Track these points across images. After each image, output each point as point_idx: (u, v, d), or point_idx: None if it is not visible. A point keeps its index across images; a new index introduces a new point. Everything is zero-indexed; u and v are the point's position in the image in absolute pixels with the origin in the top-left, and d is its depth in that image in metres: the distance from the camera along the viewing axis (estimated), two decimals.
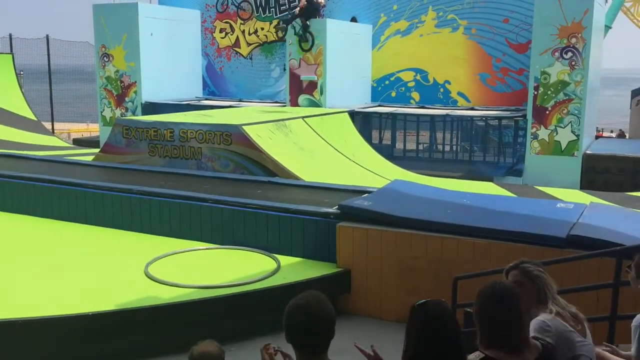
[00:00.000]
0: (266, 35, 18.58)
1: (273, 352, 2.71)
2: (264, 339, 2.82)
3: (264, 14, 18.54)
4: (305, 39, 15.26)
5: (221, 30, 19.29)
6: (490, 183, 11.53)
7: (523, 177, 13.33)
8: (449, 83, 16.44)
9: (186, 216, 8.24)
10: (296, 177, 9.74)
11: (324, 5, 16.65)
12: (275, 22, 16.99)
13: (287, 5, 17.95)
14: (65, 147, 16.13)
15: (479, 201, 7.72)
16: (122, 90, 17.15)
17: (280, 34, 17.50)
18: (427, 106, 16.04)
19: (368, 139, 14.56)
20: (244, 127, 10.25)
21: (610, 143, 16.00)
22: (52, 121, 21.46)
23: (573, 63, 12.79)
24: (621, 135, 20.47)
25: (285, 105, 16.02)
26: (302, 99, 15.61)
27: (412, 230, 6.76)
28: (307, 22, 15.15)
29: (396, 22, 16.88)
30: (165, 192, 8.64)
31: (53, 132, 19.84)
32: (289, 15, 16.31)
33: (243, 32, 19.00)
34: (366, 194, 8.04)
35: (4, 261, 7.44)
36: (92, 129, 24.99)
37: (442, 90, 16.54)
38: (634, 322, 3.28)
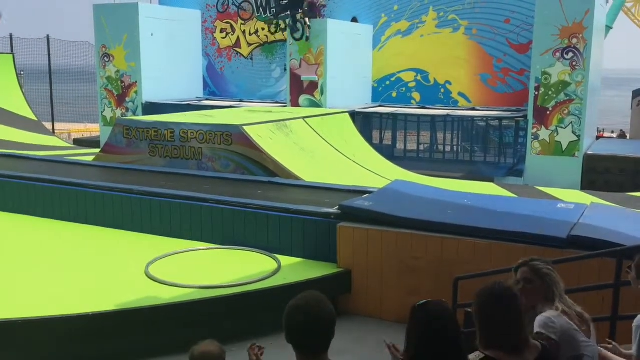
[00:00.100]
0: (267, 36, 18.58)
1: (259, 353, 2.71)
2: (265, 339, 2.83)
3: (264, 14, 18.54)
4: (296, 29, 15.27)
5: (222, 31, 19.30)
6: (491, 183, 11.52)
7: (524, 177, 13.34)
8: (450, 83, 16.44)
9: (187, 216, 8.23)
10: (297, 178, 9.73)
11: (325, 5, 16.67)
12: (282, 25, 17.03)
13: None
14: (66, 147, 16.13)
15: (479, 201, 7.71)
16: (122, 90, 17.17)
17: (272, 30, 17.53)
18: (427, 106, 16.05)
19: (369, 139, 14.56)
20: (244, 127, 10.25)
21: (611, 143, 15.99)
22: (53, 121, 21.46)
23: (574, 63, 12.79)
24: (622, 135, 20.45)
25: (285, 106, 16.03)
26: (302, 99, 15.61)
27: (412, 231, 6.75)
28: (297, 14, 15.15)
29: (397, 23, 16.89)
30: (165, 193, 8.64)
31: (53, 132, 19.84)
32: (278, 9, 16.34)
33: (244, 32, 19.01)
34: (367, 194, 8.03)
35: (4, 261, 7.44)
36: (91, 129, 25.02)
37: (442, 90, 16.54)
38: (635, 323, 3.28)
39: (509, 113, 14.76)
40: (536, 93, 13.12)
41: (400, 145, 16.31)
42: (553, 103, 13.02)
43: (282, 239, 7.57)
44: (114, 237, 8.35)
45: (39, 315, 5.73)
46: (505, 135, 15.25)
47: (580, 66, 12.76)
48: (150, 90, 17.01)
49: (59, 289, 6.45)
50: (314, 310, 2.38)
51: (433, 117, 15.44)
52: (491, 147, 15.46)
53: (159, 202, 8.44)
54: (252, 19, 18.67)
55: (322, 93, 15.35)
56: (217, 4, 19.16)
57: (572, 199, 8.98)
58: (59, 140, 17.25)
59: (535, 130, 13.22)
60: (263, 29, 18.61)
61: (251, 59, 19.07)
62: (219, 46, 19.41)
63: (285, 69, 16.90)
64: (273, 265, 7.15)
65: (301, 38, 15.27)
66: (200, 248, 7.88)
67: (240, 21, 18.92)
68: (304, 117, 12.19)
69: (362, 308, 6.92)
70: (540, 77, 13.03)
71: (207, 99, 18.59)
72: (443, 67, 16.38)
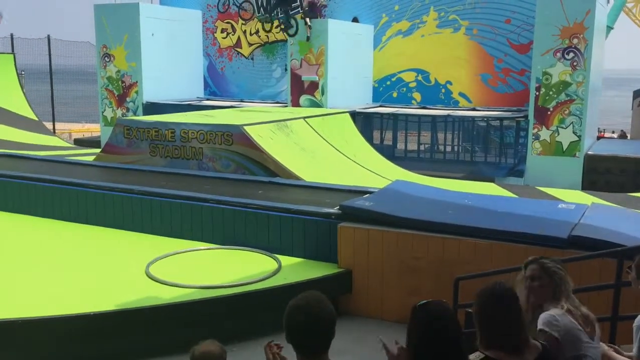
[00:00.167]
0: (268, 36, 18.57)
1: (278, 351, 2.69)
2: (265, 339, 2.81)
3: (262, 14, 18.53)
4: (289, 25, 15.28)
5: (222, 31, 19.30)
6: (492, 184, 11.52)
7: (524, 177, 13.33)
8: (451, 83, 16.43)
9: (187, 216, 8.23)
10: (297, 178, 9.73)
11: (325, 5, 16.68)
12: (276, 22, 17.05)
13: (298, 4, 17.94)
14: (67, 147, 16.12)
15: (480, 202, 7.71)
16: (123, 90, 17.17)
17: (267, 27, 17.55)
18: (428, 107, 16.05)
19: (369, 139, 14.56)
20: (245, 127, 10.25)
21: (611, 144, 15.99)
22: (53, 121, 21.45)
23: (575, 64, 12.78)
24: (623, 136, 20.46)
25: (286, 106, 16.02)
26: (303, 99, 15.61)
27: (413, 231, 6.75)
28: (288, 9, 15.17)
29: (398, 23, 16.88)
30: (166, 192, 8.64)
31: (54, 132, 19.84)
32: (269, 6, 16.37)
33: (244, 32, 19.01)
34: (367, 195, 8.03)
35: (5, 261, 7.44)
36: (89, 129, 25.02)
37: (443, 90, 16.53)
38: (636, 323, 3.28)
39: (510, 113, 14.75)
40: (537, 93, 13.12)
41: (400, 146, 16.30)
42: (554, 103, 13.01)
43: (283, 239, 7.57)
44: (115, 237, 8.35)
45: (39, 315, 5.73)
46: (505, 135, 15.25)
47: (581, 66, 12.75)
48: (151, 90, 17.02)
49: (59, 289, 6.45)
50: (314, 310, 2.37)
51: (434, 117, 15.43)
52: (492, 148, 15.45)
53: (160, 202, 8.44)
54: (253, 19, 18.66)
55: (322, 93, 15.35)
56: (217, 4, 19.15)
57: (573, 199, 8.98)
58: (60, 140, 17.25)
59: (535, 130, 13.22)
60: (264, 29, 18.60)
61: (252, 59, 19.07)
62: (219, 46, 19.41)
63: (285, 69, 16.90)
64: (273, 265, 7.15)
65: (295, 34, 15.26)
66: (201, 248, 7.88)
67: (240, 21, 18.91)
68: (304, 117, 12.19)
69: (363, 308, 6.92)
70: (541, 77, 13.02)
71: (207, 99, 18.59)
72: (444, 67, 16.38)
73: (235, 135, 10.15)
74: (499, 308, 2.59)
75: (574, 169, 12.94)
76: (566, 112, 12.96)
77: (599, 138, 17.04)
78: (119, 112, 17.16)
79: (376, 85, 17.24)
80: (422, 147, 16.52)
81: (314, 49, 15.29)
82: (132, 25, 16.62)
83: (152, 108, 16.53)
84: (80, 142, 18.50)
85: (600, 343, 3.17)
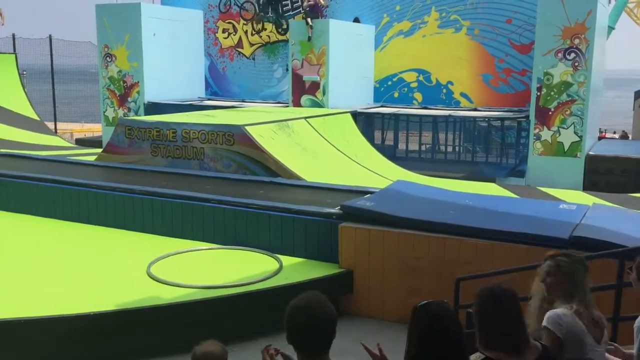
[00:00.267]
0: (269, 36, 18.58)
1: (274, 353, 2.70)
2: (266, 340, 2.82)
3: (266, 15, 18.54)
4: (280, 23, 15.32)
5: (224, 31, 19.30)
6: (493, 184, 11.51)
7: (525, 178, 13.31)
8: (452, 84, 16.43)
9: (188, 216, 8.24)
10: (298, 178, 9.73)
11: (327, 6, 16.67)
12: (269, 26, 17.09)
13: (289, 6, 17.94)
14: (68, 147, 16.14)
15: (481, 202, 7.71)
16: (124, 90, 17.18)
17: (258, 27, 17.57)
18: (429, 107, 16.04)
19: (370, 139, 14.56)
20: (246, 127, 10.25)
21: (613, 144, 15.98)
22: (55, 121, 21.47)
23: (576, 64, 12.77)
24: (624, 136, 20.46)
25: (287, 106, 16.02)
26: (304, 99, 15.61)
27: (414, 231, 6.75)
28: (278, 7, 15.23)
29: (399, 23, 16.88)
30: (167, 192, 8.64)
31: (56, 132, 19.85)
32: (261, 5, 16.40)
33: (246, 32, 19.01)
34: (368, 195, 8.03)
35: (6, 261, 7.45)
36: (90, 129, 25.01)
37: (444, 91, 16.53)
38: (636, 324, 3.27)
39: (511, 113, 14.74)
40: (538, 93, 13.10)
41: (402, 146, 16.31)
42: (555, 103, 13.00)
43: (284, 239, 7.57)
44: (116, 237, 8.36)
45: (39, 315, 5.73)
46: (507, 135, 15.24)
47: (582, 67, 12.74)
48: (153, 90, 17.02)
49: (60, 288, 6.46)
50: (315, 310, 2.37)
51: (435, 117, 15.43)
52: (493, 148, 15.44)
53: (161, 202, 8.45)
54: (254, 19, 18.67)
55: (324, 93, 15.35)
56: (219, 4, 19.15)
57: (574, 200, 8.97)
58: (61, 140, 17.27)
59: (537, 130, 13.20)
60: (265, 29, 18.61)
61: (253, 59, 19.07)
62: (221, 46, 19.41)
63: (287, 69, 16.90)
64: (275, 265, 7.15)
65: (286, 32, 15.29)
66: (202, 248, 7.88)
67: (242, 21, 18.91)
68: (305, 117, 12.19)
69: (364, 308, 6.92)
70: (542, 78, 13.01)
71: (209, 99, 18.59)
72: (445, 68, 16.37)
73: (236, 136, 10.15)
74: (499, 308, 2.59)
75: (575, 170, 12.93)
76: (567, 112, 12.95)
77: (600, 138, 17.03)
78: (120, 112, 17.16)
79: (377, 85, 17.24)
80: (423, 148, 16.51)
81: (315, 49, 15.29)
82: (133, 25, 16.63)
83: (154, 108, 16.54)
84: (81, 142, 18.50)
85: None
